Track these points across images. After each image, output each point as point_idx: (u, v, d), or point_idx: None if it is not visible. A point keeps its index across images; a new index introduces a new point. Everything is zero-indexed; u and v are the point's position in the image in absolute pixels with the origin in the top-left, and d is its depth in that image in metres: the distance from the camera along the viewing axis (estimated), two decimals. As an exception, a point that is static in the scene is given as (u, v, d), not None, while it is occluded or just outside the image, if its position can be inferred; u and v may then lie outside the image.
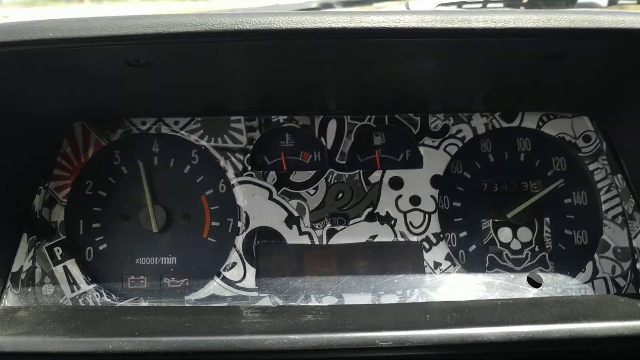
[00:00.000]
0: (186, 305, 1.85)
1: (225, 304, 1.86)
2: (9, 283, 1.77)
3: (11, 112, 1.62)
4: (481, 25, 1.36)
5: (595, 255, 1.93)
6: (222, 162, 1.98)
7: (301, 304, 1.84)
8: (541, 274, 1.91)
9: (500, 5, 2.43)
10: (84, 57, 1.47)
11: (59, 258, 1.89)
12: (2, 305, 1.73)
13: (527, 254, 1.94)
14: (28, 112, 1.70)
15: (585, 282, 1.90)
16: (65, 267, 1.88)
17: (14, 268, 1.80)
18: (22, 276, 1.83)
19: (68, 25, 1.32)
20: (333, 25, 1.34)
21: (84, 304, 1.86)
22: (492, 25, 1.36)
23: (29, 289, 1.83)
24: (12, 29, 1.32)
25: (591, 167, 1.99)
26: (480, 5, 2.41)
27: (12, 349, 1.38)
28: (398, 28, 1.35)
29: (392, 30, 1.35)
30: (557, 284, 1.89)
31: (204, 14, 1.34)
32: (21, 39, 1.32)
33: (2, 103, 1.57)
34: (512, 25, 1.37)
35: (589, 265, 1.92)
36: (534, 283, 1.89)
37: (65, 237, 1.90)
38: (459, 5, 2.39)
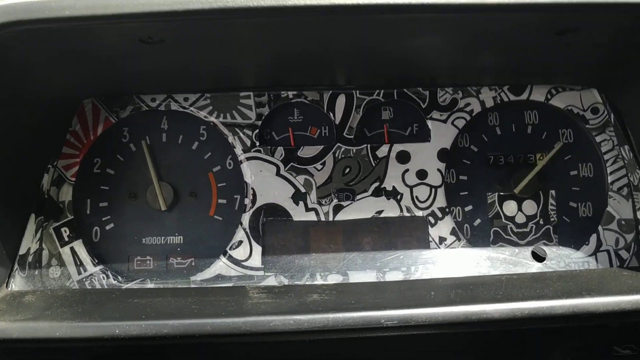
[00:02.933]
0: (192, 286, 1.87)
1: (231, 284, 1.87)
2: (16, 266, 1.79)
3: (23, 89, 1.63)
4: (495, 0, 1.35)
5: (600, 228, 1.94)
6: (231, 138, 1.98)
7: (307, 283, 1.85)
8: (545, 248, 1.92)
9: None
10: (98, 34, 1.47)
11: (66, 239, 1.90)
12: (9, 289, 1.75)
13: (532, 227, 1.95)
14: (39, 89, 1.70)
15: (589, 255, 1.92)
16: (72, 249, 1.90)
17: (22, 250, 1.82)
18: (30, 259, 1.84)
19: (84, 3, 1.31)
20: (347, 2, 1.34)
21: (90, 287, 1.87)
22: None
23: (36, 272, 1.85)
24: (29, 7, 1.32)
25: (598, 138, 1.99)
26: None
27: (19, 335, 1.40)
28: (412, 4, 1.34)
29: (407, 5, 1.35)
30: (560, 258, 1.90)
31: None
32: (38, 17, 1.32)
33: (14, 80, 1.57)
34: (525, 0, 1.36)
35: (593, 238, 1.93)
36: (538, 257, 1.90)
37: (72, 217, 1.91)
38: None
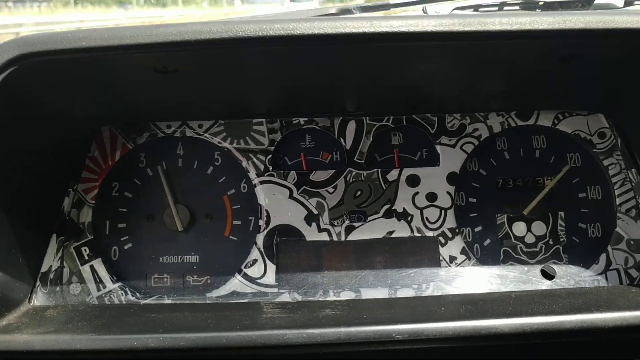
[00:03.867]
0: (208, 302, 1.90)
1: (246, 300, 1.90)
2: (38, 282, 1.83)
3: (42, 117, 1.68)
4: (497, 27, 1.40)
5: (609, 248, 1.95)
6: (245, 163, 2.03)
7: (320, 299, 1.88)
8: (555, 266, 1.93)
9: (517, 8, 2.45)
10: (114, 64, 1.53)
11: (86, 258, 1.94)
12: (31, 304, 1.78)
13: (541, 247, 1.97)
14: (58, 117, 1.76)
15: (599, 274, 1.93)
16: (92, 267, 1.94)
17: (43, 268, 1.86)
18: (51, 276, 1.88)
19: (99, 34, 1.38)
20: (354, 31, 1.39)
21: (109, 302, 1.91)
22: (508, 27, 1.40)
23: (57, 288, 1.88)
24: (47, 39, 1.39)
25: (606, 162, 2.02)
26: (496, 8, 2.43)
27: (41, 347, 1.43)
28: (417, 32, 1.40)
29: (411, 34, 1.40)
30: (570, 276, 1.92)
31: (229, 21, 1.39)
32: (55, 49, 1.38)
33: (34, 109, 1.62)
34: (527, 27, 1.41)
35: (602, 257, 1.95)
36: (548, 275, 1.92)
37: (92, 237, 1.96)
38: (476, 9, 2.41)
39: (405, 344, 1.46)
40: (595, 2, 2.44)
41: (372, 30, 1.39)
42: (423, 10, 2.50)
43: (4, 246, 1.62)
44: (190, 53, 1.46)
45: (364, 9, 2.62)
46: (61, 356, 1.45)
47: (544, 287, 1.89)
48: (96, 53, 1.39)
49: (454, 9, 2.44)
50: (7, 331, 1.49)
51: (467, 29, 1.40)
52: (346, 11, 2.59)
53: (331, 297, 1.88)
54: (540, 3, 2.45)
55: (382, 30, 1.39)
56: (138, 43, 1.37)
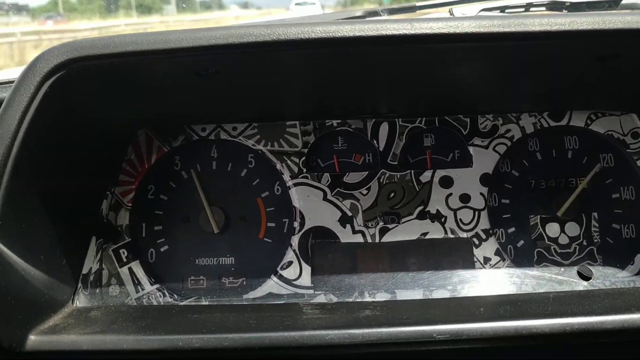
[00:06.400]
0: (246, 303, 1.91)
1: (283, 302, 1.91)
2: (79, 284, 1.85)
3: (82, 122, 1.70)
4: (538, 28, 1.41)
5: (644, 248, 1.94)
6: (278, 166, 2.03)
7: (356, 300, 1.88)
8: (590, 267, 1.92)
9: (543, 9, 2.45)
10: (155, 68, 1.55)
11: (125, 260, 1.96)
12: (74, 305, 1.79)
13: (575, 248, 1.96)
14: (97, 121, 1.78)
15: (635, 274, 1.92)
16: (130, 269, 1.95)
17: (84, 270, 1.88)
18: (91, 278, 1.90)
19: (145, 38, 1.40)
20: (395, 33, 1.40)
21: (147, 304, 1.92)
22: (548, 28, 1.41)
23: (97, 290, 1.90)
24: (94, 44, 1.41)
25: (639, 162, 2.01)
26: (522, 9, 2.43)
27: (89, 347, 1.44)
28: (458, 33, 1.40)
29: (452, 35, 1.41)
30: (606, 277, 1.91)
31: (271, 25, 1.41)
32: (103, 53, 1.40)
33: (75, 114, 1.64)
34: (568, 27, 1.41)
35: (638, 258, 1.94)
36: (584, 276, 1.91)
37: (130, 239, 1.97)
38: (502, 10, 2.41)
39: (446, 344, 1.46)
40: (622, 2, 2.44)
41: (412, 32, 1.40)
42: (450, 12, 2.50)
43: (48, 249, 1.64)
44: (233, 56, 1.47)
45: (391, 11, 2.63)
46: (108, 356, 1.46)
47: (580, 288, 1.89)
48: (143, 57, 1.41)
49: (481, 11, 2.44)
50: (55, 332, 1.50)
51: (507, 30, 1.41)
52: (373, 13, 2.59)
53: (367, 299, 1.88)
54: (567, 4, 2.45)
55: (423, 32, 1.40)
56: (183, 47, 1.39)
